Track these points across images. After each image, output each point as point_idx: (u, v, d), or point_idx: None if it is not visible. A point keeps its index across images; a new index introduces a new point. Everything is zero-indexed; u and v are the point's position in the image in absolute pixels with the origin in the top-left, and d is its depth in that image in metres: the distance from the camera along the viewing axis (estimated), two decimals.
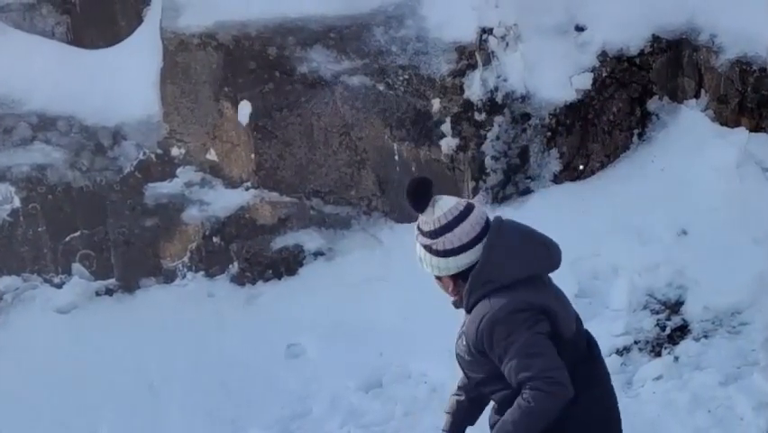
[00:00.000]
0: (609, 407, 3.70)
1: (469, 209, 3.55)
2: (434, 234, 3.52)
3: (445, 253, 3.52)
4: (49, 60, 7.12)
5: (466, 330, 3.61)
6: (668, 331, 6.04)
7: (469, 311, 3.59)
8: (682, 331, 6.03)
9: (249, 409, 6.05)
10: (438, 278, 3.65)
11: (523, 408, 3.41)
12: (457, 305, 3.70)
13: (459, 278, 3.56)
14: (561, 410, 3.43)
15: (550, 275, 3.64)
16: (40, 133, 6.95)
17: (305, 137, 6.85)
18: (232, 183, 6.97)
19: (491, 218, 3.59)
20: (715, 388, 5.60)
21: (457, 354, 3.75)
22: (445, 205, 3.56)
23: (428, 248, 3.55)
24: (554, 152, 6.77)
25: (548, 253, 3.60)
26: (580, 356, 3.59)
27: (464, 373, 3.80)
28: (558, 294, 3.63)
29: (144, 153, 6.96)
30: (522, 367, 3.40)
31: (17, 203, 6.90)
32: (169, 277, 6.96)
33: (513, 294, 3.45)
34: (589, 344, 3.69)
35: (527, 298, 3.46)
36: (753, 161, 6.46)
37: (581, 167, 6.78)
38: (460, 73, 6.71)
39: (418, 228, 3.60)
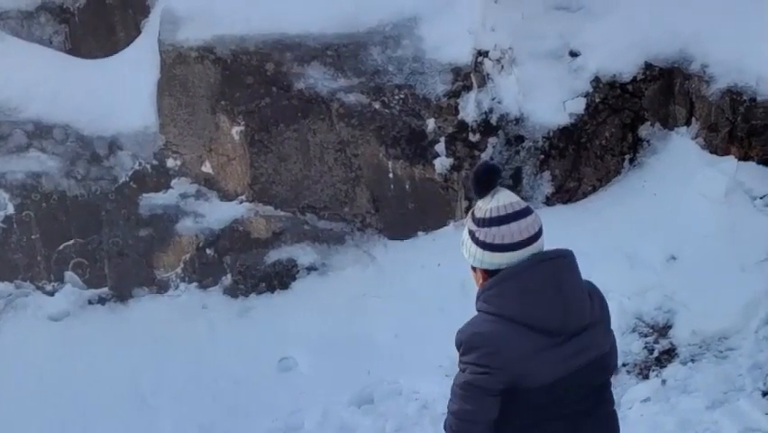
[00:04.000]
0: None
1: (525, 213, 3.40)
2: (483, 222, 3.41)
3: (484, 246, 3.41)
4: (46, 69, 7.13)
5: None
6: (656, 354, 6.11)
7: None
8: (670, 355, 6.10)
9: (240, 422, 6.07)
10: (473, 268, 3.52)
11: None
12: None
13: (489, 275, 3.43)
14: None
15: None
16: (35, 140, 6.96)
17: (300, 153, 6.90)
18: (227, 196, 7.00)
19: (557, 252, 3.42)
20: (702, 412, 5.66)
21: None
22: (504, 198, 3.42)
23: (471, 234, 3.45)
24: (547, 174, 6.85)
25: (561, 317, 3.35)
26: (554, 414, 3.43)
27: None
28: (547, 348, 3.39)
29: (140, 164, 6.98)
30: (453, 396, 3.41)
31: (11, 210, 6.91)
32: (162, 287, 6.98)
33: (491, 329, 3.33)
34: (587, 397, 3.48)
35: (500, 348, 3.31)
36: (741, 189, 6.54)
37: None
38: (455, 94, 6.79)
39: (471, 212, 3.50)
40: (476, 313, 3.44)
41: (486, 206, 3.42)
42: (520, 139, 6.81)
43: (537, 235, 3.40)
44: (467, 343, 3.35)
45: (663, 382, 5.94)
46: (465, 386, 3.35)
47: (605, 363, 3.49)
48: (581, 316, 3.39)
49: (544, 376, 3.35)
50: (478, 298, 3.43)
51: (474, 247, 3.42)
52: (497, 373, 3.31)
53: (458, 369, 3.41)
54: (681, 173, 6.66)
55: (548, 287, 3.34)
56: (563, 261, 3.41)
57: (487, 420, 3.40)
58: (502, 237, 3.37)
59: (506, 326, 3.32)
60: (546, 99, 6.85)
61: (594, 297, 3.48)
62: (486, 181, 3.43)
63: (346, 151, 6.86)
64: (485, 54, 6.86)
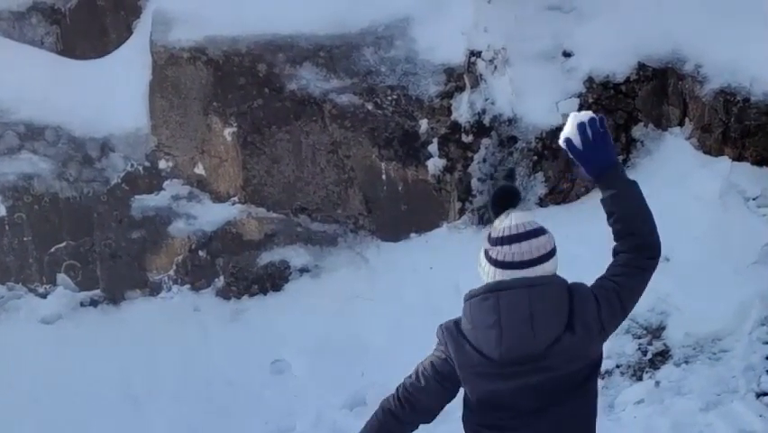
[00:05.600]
0: None
1: (537, 233, 3.46)
2: (495, 241, 3.49)
3: (493, 262, 3.48)
4: (38, 70, 7.09)
5: None
6: (649, 356, 6.10)
7: None
8: (664, 356, 6.09)
9: (233, 424, 6.05)
10: None
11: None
12: None
13: None
14: None
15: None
16: (27, 142, 6.92)
17: (293, 154, 6.88)
18: (219, 198, 6.98)
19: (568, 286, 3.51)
20: (695, 414, 5.68)
21: None
22: (519, 219, 3.50)
23: (485, 252, 3.52)
24: (540, 175, 6.84)
25: (504, 342, 3.45)
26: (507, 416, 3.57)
27: None
28: (499, 375, 3.50)
29: (132, 166, 6.96)
30: (414, 370, 3.73)
31: (3, 212, 6.88)
32: (154, 289, 6.96)
33: (454, 336, 3.51)
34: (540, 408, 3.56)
35: (452, 349, 3.52)
36: (735, 190, 6.53)
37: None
38: (448, 95, 6.77)
39: (489, 233, 3.60)
40: None
41: (500, 225, 3.52)
42: (513, 140, 6.80)
43: (546, 257, 3.45)
44: (438, 332, 3.60)
45: (657, 383, 5.94)
46: (426, 362, 3.67)
47: (566, 381, 3.53)
48: (527, 347, 3.44)
49: (478, 391, 3.55)
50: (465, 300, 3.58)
51: (487, 265, 3.51)
52: (447, 362, 3.55)
53: None
54: (674, 174, 6.65)
55: (491, 318, 3.43)
56: (532, 290, 3.43)
57: (427, 403, 3.68)
58: (512, 256, 3.46)
59: (460, 336, 3.50)
60: (539, 100, 6.84)
61: (576, 304, 3.49)
62: (502, 204, 3.54)
63: (339, 152, 6.84)
64: (478, 55, 6.84)
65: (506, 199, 3.56)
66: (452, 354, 3.53)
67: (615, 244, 3.68)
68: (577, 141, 3.56)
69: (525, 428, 3.59)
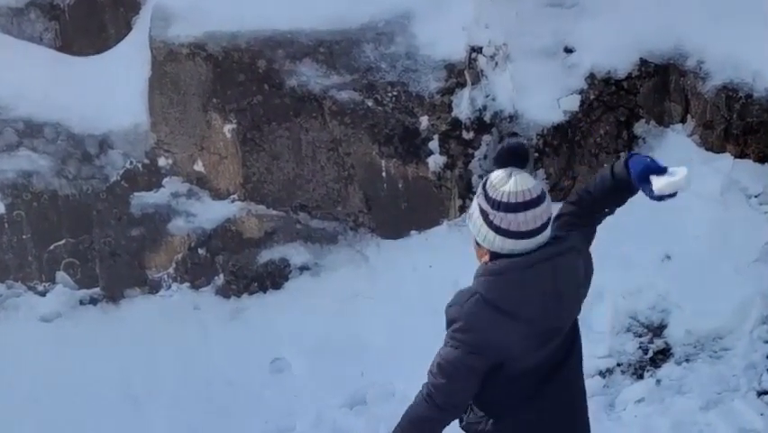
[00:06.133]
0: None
1: (539, 200, 3.42)
2: (499, 205, 3.40)
3: (497, 230, 3.42)
4: (36, 66, 7.05)
5: (453, 295, 3.64)
6: (650, 354, 6.09)
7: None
8: (665, 354, 6.09)
9: (232, 423, 6.04)
10: (477, 243, 3.57)
11: (408, 412, 3.70)
12: None
13: (494, 255, 3.50)
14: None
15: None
16: (26, 139, 6.89)
17: (292, 151, 6.85)
18: (218, 195, 6.96)
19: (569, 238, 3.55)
20: (696, 413, 5.67)
21: None
22: (522, 183, 3.40)
23: (485, 214, 3.45)
24: (541, 172, 6.81)
25: (559, 317, 3.55)
26: (528, 386, 3.61)
27: None
28: (534, 336, 3.54)
29: (131, 163, 6.93)
30: (433, 367, 3.57)
31: (2, 210, 6.84)
32: (153, 287, 6.94)
33: (487, 316, 3.43)
34: (559, 366, 3.66)
35: (487, 333, 3.44)
36: (737, 187, 6.51)
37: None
38: (448, 91, 6.74)
39: (484, 188, 3.48)
40: (467, 288, 3.52)
41: (502, 187, 3.41)
42: (514, 136, 6.77)
43: (547, 223, 3.47)
44: (464, 323, 3.44)
45: (658, 382, 5.93)
46: (456, 363, 3.47)
47: (568, 338, 3.68)
48: (570, 315, 3.59)
49: (525, 363, 3.52)
50: (479, 274, 3.50)
51: (486, 229, 3.45)
52: (488, 355, 3.45)
53: (446, 343, 3.54)
54: None
55: (547, 289, 3.44)
56: (563, 259, 3.49)
57: (466, 399, 3.60)
58: (518, 225, 3.40)
59: (501, 315, 3.41)
60: (540, 96, 6.81)
61: (588, 269, 3.67)
62: (513, 158, 3.44)
63: (339, 149, 6.82)
64: (479, 51, 6.81)
65: (516, 157, 3.45)
66: (482, 340, 3.43)
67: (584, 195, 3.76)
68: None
69: (551, 393, 3.64)
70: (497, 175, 3.46)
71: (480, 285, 3.48)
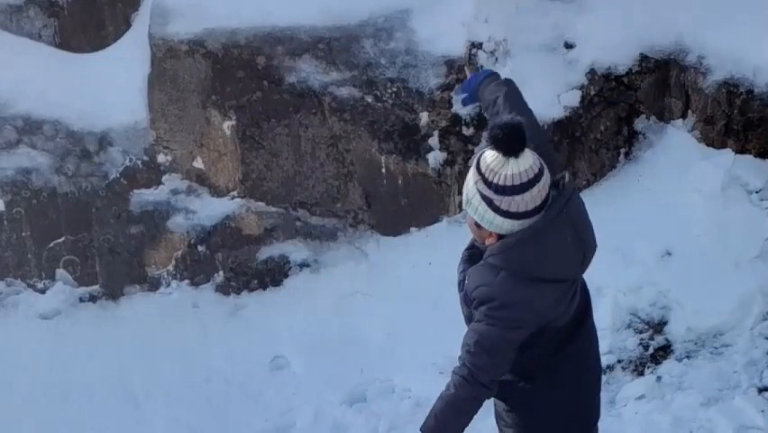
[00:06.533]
0: (578, 387, 3.84)
1: (541, 172, 3.40)
2: (503, 190, 3.36)
3: (506, 214, 3.39)
4: (35, 63, 7.04)
5: (470, 277, 3.60)
6: (651, 351, 6.08)
7: (483, 258, 3.56)
8: (665, 351, 6.07)
9: (231, 421, 6.05)
10: (478, 226, 3.53)
11: (444, 397, 3.60)
12: (477, 245, 3.70)
13: (501, 235, 3.47)
14: (528, 393, 3.68)
15: None
16: (25, 136, 6.88)
17: (292, 148, 6.84)
18: (218, 192, 6.94)
19: (560, 183, 3.53)
20: (696, 409, 5.66)
21: (458, 280, 3.79)
22: (524, 162, 3.36)
23: (488, 201, 3.40)
24: None
25: (577, 267, 3.61)
26: (560, 342, 3.66)
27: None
28: (563, 291, 3.60)
29: (130, 160, 6.91)
30: (471, 347, 3.52)
31: (1, 207, 6.84)
32: (153, 285, 6.94)
33: (520, 284, 3.43)
34: (580, 320, 3.75)
35: (529, 296, 3.45)
36: (738, 183, 6.49)
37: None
38: (449, 87, 6.71)
39: (480, 173, 3.42)
40: (486, 268, 3.50)
41: (502, 170, 3.36)
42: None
43: (548, 196, 3.45)
44: (501, 300, 3.43)
45: (659, 378, 5.92)
46: (493, 340, 3.48)
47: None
48: (592, 252, 3.64)
49: (560, 322, 3.58)
50: (496, 252, 3.47)
51: (492, 214, 3.42)
52: (529, 325, 3.47)
53: (481, 321, 3.49)
54: (676, 167, 6.62)
55: (568, 242, 3.47)
56: (573, 206, 3.52)
57: (505, 371, 3.62)
58: (525, 204, 3.38)
59: (533, 283, 3.43)
60: (540, 92, 6.74)
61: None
62: (512, 143, 3.36)
63: (338, 146, 6.80)
64: (479, 46, 6.77)
65: (514, 141, 3.36)
66: (520, 313, 3.44)
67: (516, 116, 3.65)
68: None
69: (579, 346, 3.76)
70: (493, 157, 3.39)
71: (501, 261, 3.45)
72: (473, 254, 3.73)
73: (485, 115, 4.20)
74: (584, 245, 3.56)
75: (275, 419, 6.03)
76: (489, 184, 3.39)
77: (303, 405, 6.07)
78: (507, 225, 3.43)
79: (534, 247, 3.40)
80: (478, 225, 3.54)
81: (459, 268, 3.79)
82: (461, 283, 3.73)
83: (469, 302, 3.62)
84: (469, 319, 3.70)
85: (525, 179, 3.35)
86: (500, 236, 3.49)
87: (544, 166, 3.44)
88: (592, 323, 3.88)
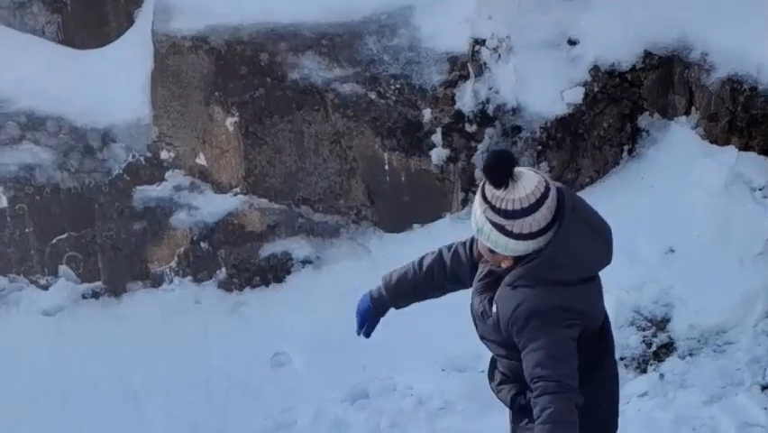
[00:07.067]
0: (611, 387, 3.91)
1: (548, 189, 3.42)
2: (513, 214, 3.38)
3: (520, 237, 3.41)
4: (39, 60, 7.06)
5: (500, 303, 3.58)
6: (654, 348, 6.07)
7: (507, 284, 3.55)
8: (668, 348, 6.06)
9: (233, 419, 6.02)
10: (492, 251, 3.54)
11: (546, 420, 3.42)
12: (494, 269, 3.68)
13: (520, 258, 3.49)
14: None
15: None
16: (28, 132, 6.89)
17: (295, 144, 6.83)
18: (221, 188, 6.94)
19: (558, 190, 3.51)
20: (699, 407, 5.64)
21: (476, 312, 3.76)
22: (528, 184, 3.38)
23: (500, 227, 3.42)
24: (544, 165, 6.76)
25: (606, 253, 3.63)
26: (591, 350, 3.68)
27: (476, 329, 3.83)
28: (596, 288, 3.67)
29: (133, 156, 6.92)
30: (541, 363, 3.44)
31: (4, 203, 6.85)
32: (156, 281, 6.94)
33: (560, 291, 3.45)
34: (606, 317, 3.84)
35: (572, 300, 3.47)
36: (741, 180, 6.47)
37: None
38: (451, 84, 6.71)
39: (486, 201, 3.44)
40: (518, 290, 3.50)
41: (510, 195, 3.38)
42: (517, 129, 6.74)
43: (560, 203, 3.47)
44: (547, 307, 3.43)
45: (661, 376, 5.91)
46: (559, 345, 3.44)
47: None
48: (612, 236, 3.66)
49: (593, 315, 3.63)
50: (521, 277, 3.47)
51: (505, 239, 3.43)
52: (579, 323, 3.48)
53: (537, 340, 3.45)
54: (680, 164, 6.59)
55: (593, 233, 3.51)
56: (580, 207, 3.51)
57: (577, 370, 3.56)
58: (539, 223, 3.40)
59: (569, 287, 3.46)
60: (544, 89, 6.76)
61: None
62: (504, 171, 3.38)
63: (341, 142, 6.80)
64: (482, 43, 6.76)
65: (504, 166, 3.40)
66: (567, 315, 3.46)
67: None
68: None
69: (608, 345, 3.86)
70: (499, 189, 3.43)
71: (531, 277, 3.47)
72: (488, 284, 3.71)
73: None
74: (601, 233, 3.59)
75: (276, 416, 6.01)
76: (497, 211, 3.41)
77: (304, 402, 6.04)
78: (522, 247, 3.45)
79: (561, 257, 3.43)
80: (491, 251, 3.55)
81: (475, 299, 3.77)
82: (484, 313, 3.70)
83: (505, 328, 3.57)
84: (500, 346, 3.69)
85: (533, 200, 3.38)
86: (515, 260, 3.52)
87: (550, 182, 3.46)
88: (610, 327, 3.92)
